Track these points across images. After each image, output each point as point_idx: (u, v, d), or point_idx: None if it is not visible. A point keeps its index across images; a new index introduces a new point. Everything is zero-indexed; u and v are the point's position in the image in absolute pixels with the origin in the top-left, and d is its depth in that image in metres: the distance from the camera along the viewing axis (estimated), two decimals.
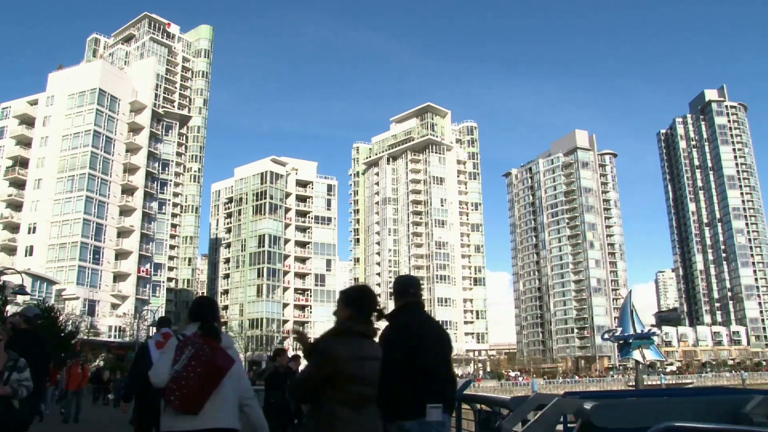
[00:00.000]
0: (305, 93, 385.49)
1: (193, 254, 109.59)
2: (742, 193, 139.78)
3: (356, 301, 3.50)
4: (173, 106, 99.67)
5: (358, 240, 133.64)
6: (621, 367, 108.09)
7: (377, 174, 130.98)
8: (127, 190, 75.66)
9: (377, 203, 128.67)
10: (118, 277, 72.41)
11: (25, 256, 67.96)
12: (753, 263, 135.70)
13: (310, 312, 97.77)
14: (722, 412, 3.86)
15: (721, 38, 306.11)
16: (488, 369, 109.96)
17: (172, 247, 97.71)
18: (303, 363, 3.88)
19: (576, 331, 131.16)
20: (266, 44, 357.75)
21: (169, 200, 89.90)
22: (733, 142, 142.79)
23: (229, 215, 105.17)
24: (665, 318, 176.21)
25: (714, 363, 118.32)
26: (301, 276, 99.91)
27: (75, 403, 16.90)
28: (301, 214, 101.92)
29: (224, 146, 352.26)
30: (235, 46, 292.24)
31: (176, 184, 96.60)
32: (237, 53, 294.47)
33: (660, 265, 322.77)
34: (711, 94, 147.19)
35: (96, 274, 68.69)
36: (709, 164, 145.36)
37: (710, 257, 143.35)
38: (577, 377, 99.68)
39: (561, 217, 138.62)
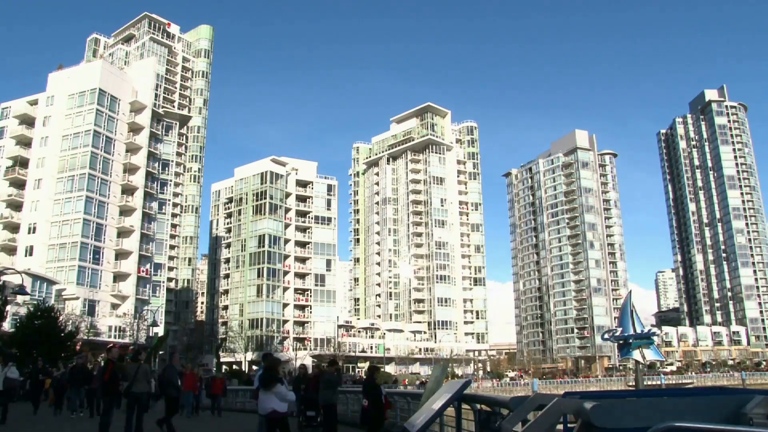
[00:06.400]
0: (305, 93, 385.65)
1: (193, 254, 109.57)
2: (742, 193, 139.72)
3: None
4: (173, 106, 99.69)
5: (358, 240, 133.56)
6: (621, 367, 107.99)
7: (377, 174, 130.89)
8: (127, 190, 75.54)
9: (377, 203, 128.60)
10: (118, 277, 72.34)
11: (25, 256, 67.92)
12: (753, 263, 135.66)
13: (310, 312, 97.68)
14: (722, 412, 3.86)
15: (721, 38, 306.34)
16: (488, 369, 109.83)
17: (172, 247, 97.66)
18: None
19: (576, 331, 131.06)
20: (266, 45, 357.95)
21: (169, 200, 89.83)
22: (733, 142, 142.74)
23: (229, 215, 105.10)
24: (665, 318, 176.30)
25: (714, 363, 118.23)
26: (301, 276, 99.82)
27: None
28: (301, 214, 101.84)
29: (224, 146, 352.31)
30: (235, 46, 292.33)
31: (176, 184, 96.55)
32: (237, 53, 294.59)
33: (660, 265, 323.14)
34: (711, 94, 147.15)
35: (96, 274, 68.62)
36: (709, 164, 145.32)
37: (710, 257, 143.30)
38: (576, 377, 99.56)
39: (561, 217, 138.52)
